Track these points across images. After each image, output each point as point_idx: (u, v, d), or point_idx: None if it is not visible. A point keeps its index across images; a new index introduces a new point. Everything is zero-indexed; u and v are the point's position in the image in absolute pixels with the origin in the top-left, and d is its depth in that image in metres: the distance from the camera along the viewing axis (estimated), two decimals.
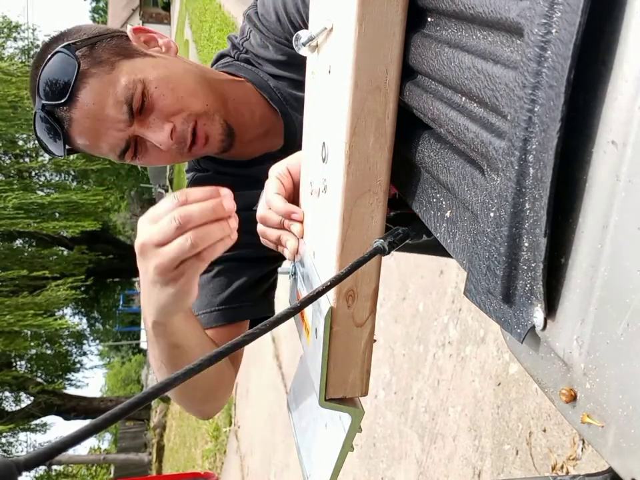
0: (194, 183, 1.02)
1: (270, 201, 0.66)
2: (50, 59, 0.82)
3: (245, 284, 0.97)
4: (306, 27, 0.87)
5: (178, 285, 0.67)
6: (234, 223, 0.65)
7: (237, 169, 0.99)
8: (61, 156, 0.88)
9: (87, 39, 0.85)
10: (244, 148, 0.95)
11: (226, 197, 0.64)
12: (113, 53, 0.84)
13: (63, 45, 0.82)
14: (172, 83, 0.84)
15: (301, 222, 0.64)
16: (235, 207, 0.65)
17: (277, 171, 0.67)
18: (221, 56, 1.02)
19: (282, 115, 0.96)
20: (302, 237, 0.64)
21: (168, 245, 0.63)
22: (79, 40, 0.84)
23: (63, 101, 0.81)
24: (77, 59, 0.81)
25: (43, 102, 0.82)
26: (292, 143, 0.94)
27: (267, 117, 0.97)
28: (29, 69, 0.91)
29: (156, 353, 0.78)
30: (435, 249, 1.13)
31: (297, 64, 0.93)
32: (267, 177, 0.67)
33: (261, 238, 0.70)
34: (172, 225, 0.62)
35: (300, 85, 0.92)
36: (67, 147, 0.86)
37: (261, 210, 0.68)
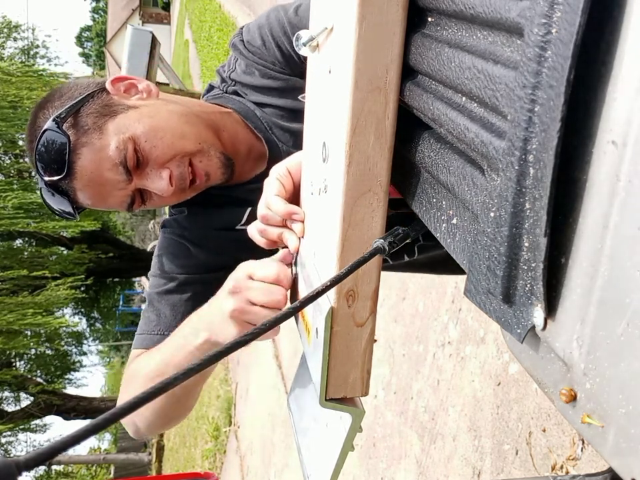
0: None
1: (270, 203, 0.65)
2: (41, 137, 0.84)
3: None
4: (293, 49, 0.89)
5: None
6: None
7: (220, 190, 1.00)
8: (75, 218, 0.92)
9: (70, 107, 0.86)
10: (237, 176, 0.97)
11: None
12: (98, 115, 0.86)
13: (51, 119, 0.84)
14: (160, 132, 0.86)
15: (302, 222, 0.64)
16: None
17: (277, 172, 0.67)
18: (212, 87, 1.05)
19: (266, 141, 0.98)
20: (303, 237, 0.64)
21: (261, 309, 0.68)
22: (63, 111, 0.85)
23: (62, 175, 0.84)
24: (65, 133, 0.84)
25: (45, 179, 0.85)
26: None
27: (254, 145, 0.99)
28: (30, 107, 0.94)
29: (180, 362, 0.77)
30: (433, 266, 1.14)
31: (282, 89, 0.97)
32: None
33: (260, 237, 0.70)
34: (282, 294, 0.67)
35: (284, 113, 0.97)
36: (77, 206, 0.90)
37: (262, 209, 0.67)
